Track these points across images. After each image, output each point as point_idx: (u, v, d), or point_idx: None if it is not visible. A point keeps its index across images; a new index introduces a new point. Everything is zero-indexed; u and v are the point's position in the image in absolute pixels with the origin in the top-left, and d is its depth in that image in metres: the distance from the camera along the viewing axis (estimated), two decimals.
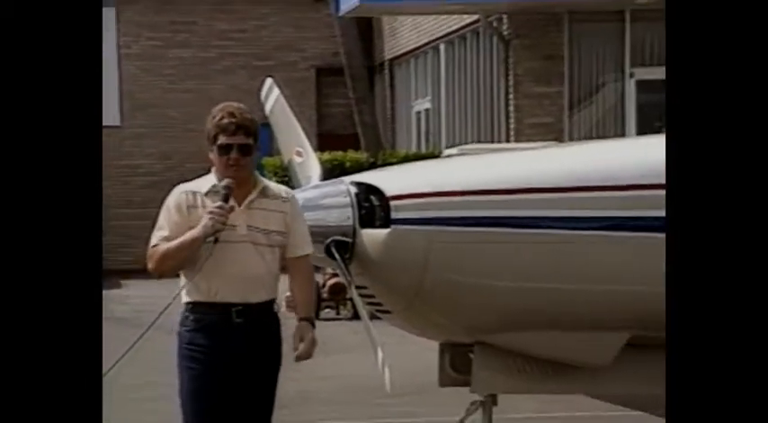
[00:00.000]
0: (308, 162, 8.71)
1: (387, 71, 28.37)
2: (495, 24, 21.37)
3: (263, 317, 6.31)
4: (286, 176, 9.81)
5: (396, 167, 9.46)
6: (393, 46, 27.73)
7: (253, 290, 6.25)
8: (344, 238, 7.12)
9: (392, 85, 28.33)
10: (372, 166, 17.63)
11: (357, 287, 7.29)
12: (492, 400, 7.47)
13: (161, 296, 6.58)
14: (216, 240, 6.10)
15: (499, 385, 7.49)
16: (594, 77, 20.80)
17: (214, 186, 6.22)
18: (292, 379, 12.76)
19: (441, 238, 7.11)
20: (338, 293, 17.52)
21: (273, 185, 6.45)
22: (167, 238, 6.17)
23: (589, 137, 19.46)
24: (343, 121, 27.20)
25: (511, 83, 20.88)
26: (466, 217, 7.16)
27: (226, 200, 6.11)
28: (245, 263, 6.22)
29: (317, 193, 7.63)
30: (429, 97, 25.62)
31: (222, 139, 6.19)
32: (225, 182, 6.16)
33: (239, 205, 6.23)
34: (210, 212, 6.07)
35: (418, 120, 26.51)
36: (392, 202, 7.18)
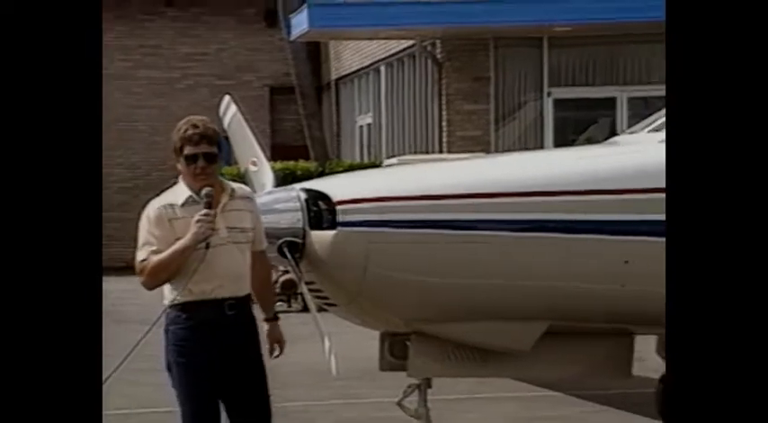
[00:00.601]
0: (262, 171, 8.70)
1: (333, 90, 28.36)
2: (429, 49, 21.40)
3: (246, 308, 6.19)
4: (243, 184, 9.79)
5: (341, 176, 9.46)
6: (338, 67, 27.72)
7: (239, 285, 6.11)
8: (295, 239, 7.11)
9: (338, 103, 28.32)
10: (320, 174, 17.61)
11: (306, 283, 7.29)
12: (427, 383, 7.48)
13: (135, 290, 6.50)
14: (207, 246, 5.91)
15: (433, 370, 7.50)
16: (517, 96, 20.85)
17: (190, 196, 6.01)
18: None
19: (380, 239, 7.12)
20: (289, 289, 17.52)
21: (237, 187, 6.30)
22: (155, 252, 5.94)
23: (512, 149, 19.50)
24: (294, 135, 27.14)
25: (443, 101, 20.91)
26: (403, 220, 7.16)
27: (209, 207, 5.92)
28: (232, 262, 6.06)
29: (271, 198, 7.62)
30: (371, 113, 25.63)
31: (188, 150, 6.00)
32: (205, 190, 5.95)
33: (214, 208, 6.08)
34: (198, 220, 5.87)
35: (361, 133, 26.52)
36: (338, 207, 7.17)
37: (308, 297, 7.31)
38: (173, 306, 6.05)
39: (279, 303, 17.64)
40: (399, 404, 7.44)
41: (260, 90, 28.33)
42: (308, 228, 7.11)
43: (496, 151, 19.40)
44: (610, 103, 20.44)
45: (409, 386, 7.45)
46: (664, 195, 7.59)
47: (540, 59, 20.74)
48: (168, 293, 6.09)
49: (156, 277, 5.99)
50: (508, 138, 20.61)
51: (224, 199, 6.07)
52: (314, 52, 27.28)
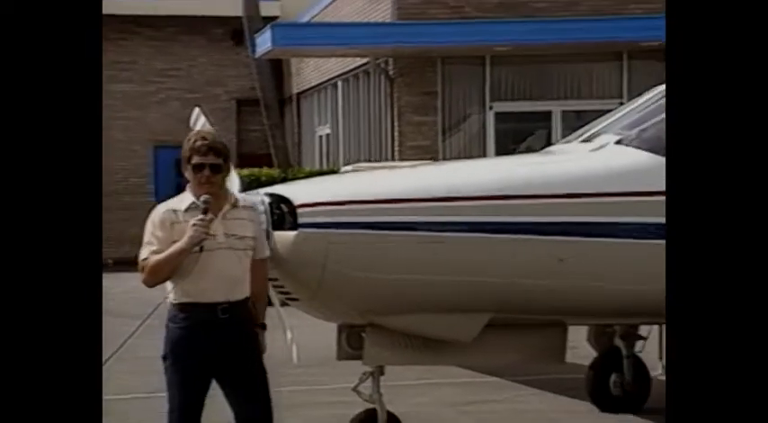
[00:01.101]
0: (229, 177, 8.67)
1: (294, 103, 28.33)
2: (382, 66, 21.41)
3: (242, 312, 6.01)
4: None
5: (302, 181, 9.44)
6: (299, 82, 27.70)
7: (234, 289, 5.96)
8: None
9: (299, 115, 28.29)
10: (283, 180, 17.57)
11: (270, 279, 7.26)
12: (380, 370, 7.49)
13: (112, 286, 6.46)
14: (201, 249, 5.81)
15: (386, 358, 7.51)
16: (462, 109, 20.90)
17: (193, 203, 5.91)
18: None
19: (338, 239, 7.12)
20: None
21: (241, 197, 6.16)
22: (156, 252, 5.87)
23: (458, 157, 19.54)
24: (259, 144, 27.07)
25: (395, 113, 20.91)
26: (358, 222, 7.17)
27: (205, 212, 5.82)
28: (226, 266, 5.92)
29: None
30: (329, 124, 25.61)
31: (196, 159, 5.93)
32: (203, 197, 5.86)
33: (216, 217, 5.94)
34: (194, 225, 5.79)
35: (320, 143, 26.50)
36: (299, 210, 7.16)
37: (272, 292, 7.29)
38: (173, 304, 5.98)
39: None
40: (355, 390, 7.44)
41: (227, 103, 28.31)
42: (271, 229, 7.09)
43: (444, 159, 19.42)
44: (545, 116, 20.53)
45: (364, 373, 7.46)
46: (595, 199, 7.66)
47: (482, 76, 20.80)
48: (170, 294, 6.01)
49: (154, 276, 5.90)
50: (454, 147, 20.65)
51: (226, 207, 5.96)
52: (277, 68, 27.23)
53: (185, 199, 5.99)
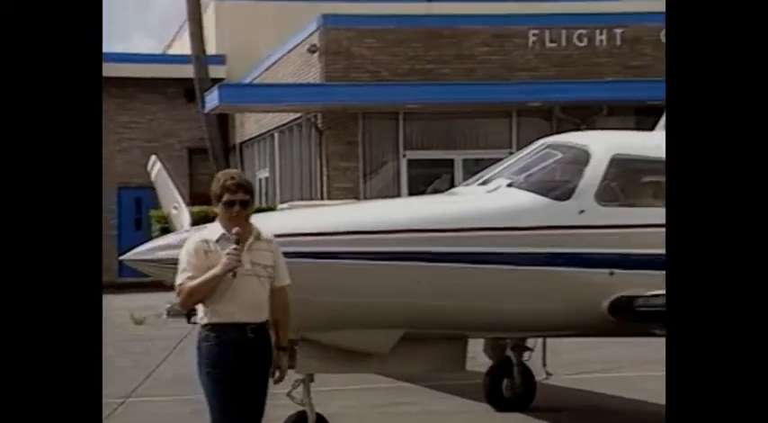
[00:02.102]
0: (182, 214, 8.59)
1: (238, 151, 28.23)
2: (312, 120, 21.42)
3: (264, 332, 5.76)
4: (167, 223, 9.66)
5: None
6: (242, 133, 27.61)
7: (259, 312, 5.71)
8: None
9: (242, 160, 28.18)
10: None
11: None
12: (310, 378, 7.44)
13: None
14: (234, 275, 5.57)
15: (315, 368, 7.47)
16: (380, 157, 20.96)
17: (224, 234, 5.66)
18: (165, 366, 12.40)
19: None
20: None
21: (262, 230, 5.86)
22: (191, 278, 5.61)
23: (377, 197, 19.56)
24: (208, 185, 26.57)
25: (323, 160, 20.92)
26: (292, 252, 7.11)
27: (237, 243, 5.58)
28: (253, 291, 5.68)
29: (188, 234, 7.50)
30: (267, 169, 25.54)
31: (227, 197, 5.68)
32: (235, 230, 5.61)
33: (244, 248, 5.71)
34: (228, 254, 5.55)
35: (260, 184, 26.39)
36: None
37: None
38: (204, 326, 5.72)
39: (196, 317, 17.41)
40: (289, 395, 7.38)
41: (181, 151, 28.15)
42: None
43: (365, 199, 19.44)
44: (449, 163, 20.66)
45: (296, 381, 7.40)
46: (491, 232, 7.71)
47: (396, 129, 20.90)
48: (201, 314, 5.75)
49: (190, 298, 5.68)
50: (374, 188, 20.68)
51: (251, 239, 5.72)
52: (223, 122, 27.15)
53: (216, 230, 5.74)
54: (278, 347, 5.84)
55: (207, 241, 5.70)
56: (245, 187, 5.76)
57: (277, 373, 5.83)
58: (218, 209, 5.78)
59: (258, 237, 5.78)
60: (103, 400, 4.90)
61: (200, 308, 5.77)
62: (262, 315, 5.74)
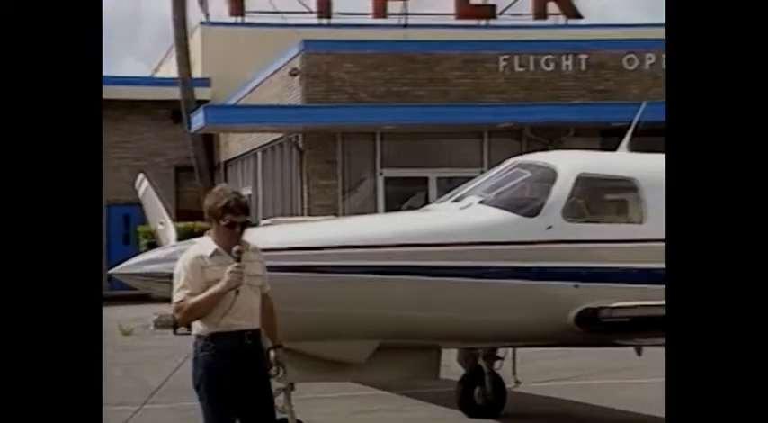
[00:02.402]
0: (168, 229, 8.56)
1: (222, 169, 28.18)
2: (293, 140, 21.41)
3: (259, 337, 5.71)
4: (154, 239, 9.61)
5: None
6: (227, 153, 27.57)
7: (254, 319, 5.65)
8: None
9: (226, 178, 28.10)
10: None
11: None
12: (291, 386, 7.39)
13: None
14: (237, 292, 5.50)
15: (296, 377, 7.41)
16: (358, 175, 20.96)
17: (216, 250, 5.55)
18: (157, 375, 12.34)
19: None
20: None
21: (249, 241, 5.75)
22: (191, 294, 5.51)
23: (355, 213, 19.55)
24: (194, 202, 26.66)
25: (304, 178, 20.91)
26: (276, 265, 7.08)
27: (239, 261, 5.50)
28: (249, 300, 5.60)
29: (175, 249, 7.48)
30: (251, 186, 25.49)
31: (230, 218, 5.54)
32: (236, 249, 5.51)
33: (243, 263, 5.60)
34: (231, 272, 5.46)
35: None
36: None
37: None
38: (200, 337, 5.62)
39: (182, 328, 17.31)
40: None
41: (168, 169, 28.07)
42: None
43: (344, 215, 19.43)
44: (424, 181, 20.68)
45: (278, 389, 7.35)
46: (464, 247, 7.71)
47: (374, 149, 20.92)
48: (199, 327, 5.63)
49: (191, 315, 5.59)
50: (352, 205, 20.67)
51: (244, 253, 5.64)
52: (208, 141, 27.09)
53: (208, 246, 5.62)
54: (275, 347, 5.82)
55: (202, 257, 5.59)
56: (247, 209, 5.67)
57: (280, 370, 5.81)
58: (213, 225, 5.65)
59: (248, 249, 5.71)
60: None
61: (197, 320, 5.67)
62: (257, 322, 5.69)
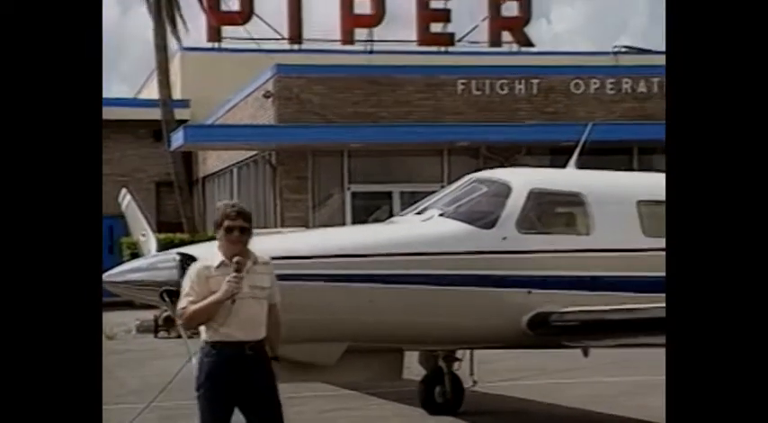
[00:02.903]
0: (149, 241, 8.49)
1: (200, 184, 28.05)
2: (267, 157, 21.36)
3: (262, 348, 5.55)
4: (136, 249, 9.52)
5: (205, 244, 9.27)
6: (204, 169, 27.45)
7: (257, 330, 5.51)
8: (172, 288, 6.92)
9: (203, 193, 28.01)
10: (191, 243, 17.26)
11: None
12: None
13: None
14: (233, 301, 5.38)
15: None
16: (327, 190, 20.93)
17: (223, 261, 5.45)
18: (138, 376, 12.23)
19: None
20: (169, 322, 16.96)
21: (259, 255, 5.62)
22: (193, 302, 5.42)
23: (324, 225, 19.52)
24: (174, 215, 26.63)
25: (277, 192, 20.85)
26: None
27: (239, 271, 5.39)
28: (252, 312, 5.47)
29: (155, 259, 7.42)
30: (227, 200, 25.39)
31: (227, 223, 5.48)
32: (236, 259, 5.41)
33: (244, 274, 5.49)
34: (229, 281, 5.36)
35: None
36: None
37: (182, 328, 7.10)
38: (206, 343, 5.51)
39: (161, 332, 17.21)
40: None
41: (149, 184, 27.92)
42: (181, 279, 6.92)
43: (313, 227, 19.39)
44: (388, 196, 20.70)
45: None
46: (426, 256, 7.70)
47: (341, 166, 20.91)
48: (204, 333, 5.53)
49: (192, 321, 5.50)
50: (321, 218, 20.64)
51: (249, 264, 5.50)
52: (187, 159, 26.96)
53: (216, 257, 5.53)
54: (272, 358, 5.69)
55: (208, 267, 5.51)
56: (245, 215, 5.58)
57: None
58: (218, 235, 5.58)
59: (256, 261, 5.57)
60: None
61: (202, 327, 5.56)
62: (260, 333, 5.54)
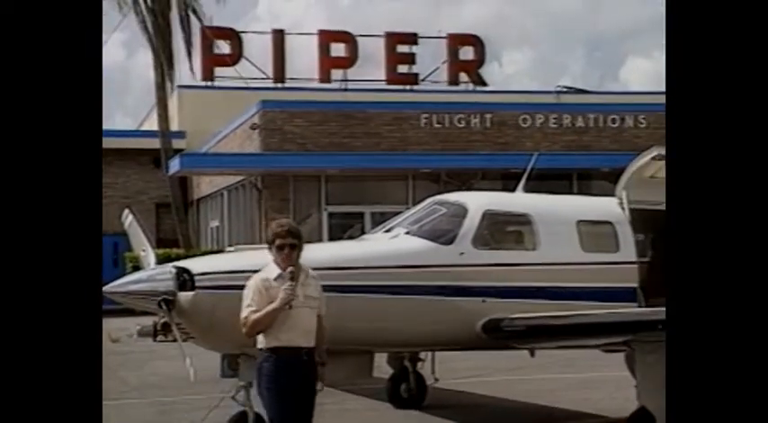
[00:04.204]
0: (149, 255, 8.42)
1: (195, 205, 27.89)
2: (253, 182, 21.30)
3: (313, 354, 5.47)
4: (138, 263, 9.44)
5: (199, 258, 9.22)
6: (198, 192, 27.31)
7: (310, 337, 5.41)
8: (169, 297, 6.88)
9: (198, 213, 27.85)
10: (186, 257, 17.15)
11: (176, 324, 7.04)
12: (250, 384, 7.27)
13: None
14: (290, 307, 5.31)
15: (254, 376, 7.29)
16: (306, 210, 20.89)
17: (281, 274, 5.38)
18: (134, 375, 12.12)
19: (222, 297, 6.94)
20: (167, 327, 16.75)
21: (310, 269, 5.56)
22: (254, 311, 5.34)
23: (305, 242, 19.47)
24: (171, 232, 26.46)
25: (262, 213, 20.77)
26: (235, 285, 7.00)
27: (292, 280, 5.33)
28: (306, 320, 5.40)
29: (154, 272, 7.36)
30: (218, 220, 25.28)
31: (279, 241, 5.42)
32: (289, 269, 5.35)
33: (297, 283, 5.43)
34: (284, 290, 5.29)
35: (212, 232, 26.10)
36: (196, 277, 6.98)
37: (177, 333, 7.06)
38: (262, 350, 5.42)
39: (159, 336, 17.00)
40: (233, 398, 7.23)
41: (150, 205, 27.77)
42: (177, 290, 6.89)
43: None
44: (360, 216, 20.70)
45: (239, 386, 7.25)
46: (393, 270, 7.68)
47: (319, 189, 20.89)
48: (262, 341, 5.44)
49: (254, 329, 5.39)
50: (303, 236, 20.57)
51: (302, 277, 5.45)
52: (183, 183, 26.82)
53: (273, 270, 5.44)
54: (321, 364, 5.56)
55: (267, 279, 5.42)
56: (294, 233, 5.48)
57: (319, 385, 5.54)
58: (272, 252, 5.50)
59: (307, 274, 5.49)
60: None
61: (260, 334, 5.44)
62: (311, 340, 5.45)
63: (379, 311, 7.51)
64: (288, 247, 5.41)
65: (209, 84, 27.52)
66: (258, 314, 5.35)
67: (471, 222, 8.05)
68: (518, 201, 8.85)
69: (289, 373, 5.36)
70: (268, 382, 5.39)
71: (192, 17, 25.29)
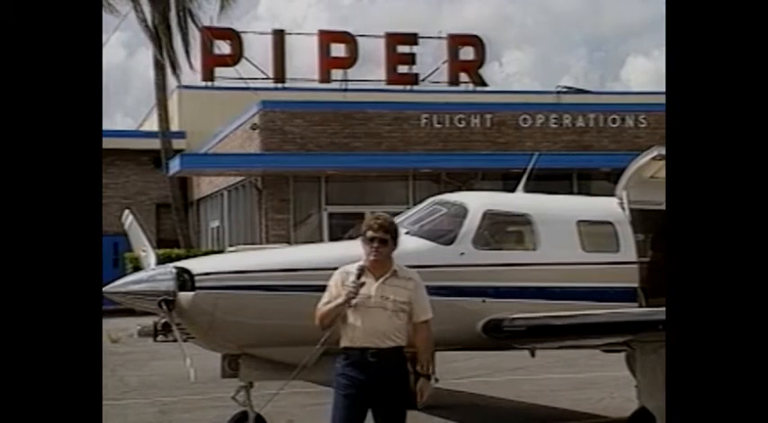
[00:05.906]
0: (149, 256, 8.40)
1: (195, 205, 27.90)
2: (253, 182, 21.31)
3: (391, 357, 5.08)
4: (138, 263, 9.44)
5: (199, 258, 9.22)
6: (199, 192, 27.31)
7: (381, 339, 5.06)
8: (169, 297, 6.88)
9: (198, 213, 27.85)
10: (187, 257, 17.16)
11: (177, 324, 7.04)
12: (250, 384, 7.29)
13: None
14: (351, 305, 5.03)
15: (255, 377, 7.32)
16: (306, 211, 20.91)
17: (361, 267, 5.16)
18: (135, 375, 12.11)
19: (221, 296, 6.94)
20: (167, 328, 16.77)
21: (404, 269, 5.20)
22: (326, 304, 5.15)
23: (304, 242, 19.49)
24: (172, 233, 26.50)
25: (262, 213, 20.78)
26: (235, 285, 7.03)
27: (358, 278, 5.06)
28: (375, 320, 5.05)
29: (155, 272, 7.35)
30: (218, 220, 25.28)
31: (369, 234, 5.13)
32: (358, 264, 5.11)
33: (376, 281, 5.10)
34: (346, 285, 5.08)
35: (213, 232, 26.09)
36: (196, 277, 6.98)
37: (177, 333, 7.06)
38: (342, 348, 5.20)
39: (160, 336, 17.03)
40: (233, 398, 7.23)
41: (150, 206, 27.79)
42: (177, 290, 6.89)
43: (295, 244, 19.34)
44: (361, 216, 20.65)
45: (239, 387, 7.26)
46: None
47: (319, 189, 20.90)
48: (340, 341, 5.22)
49: (321, 320, 5.18)
50: (302, 235, 20.59)
51: (386, 275, 5.12)
52: (183, 183, 26.85)
53: (358, 264, 5.20)
54: (417, 374, 5.23)
55: (347, 273, 5.18)
56: (386, 228, 5.17)
57: (421, 398, 5.19)
58: (362, 245, 5.21)
59: (394, 274, 5.15)
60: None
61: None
62: (385, 342, 5.09)
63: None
64: (378, 240, 5.12)
65: (209, 84, 27.54)
66: (325, 308, 5.16)
67: (471, 222, 8.05)
68: (518, 201, 8.85)
69: (351, 374, 5.15)
70: (337, 380, 5.25)
71: (193, 17, 25.34)
